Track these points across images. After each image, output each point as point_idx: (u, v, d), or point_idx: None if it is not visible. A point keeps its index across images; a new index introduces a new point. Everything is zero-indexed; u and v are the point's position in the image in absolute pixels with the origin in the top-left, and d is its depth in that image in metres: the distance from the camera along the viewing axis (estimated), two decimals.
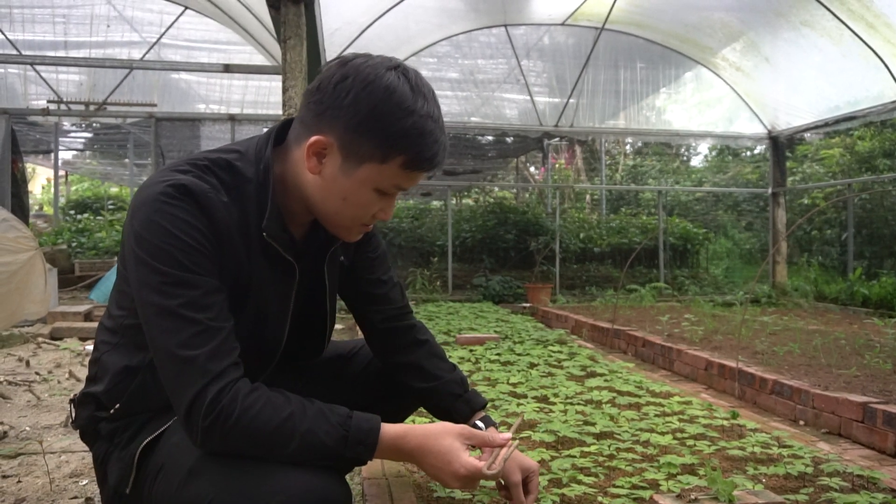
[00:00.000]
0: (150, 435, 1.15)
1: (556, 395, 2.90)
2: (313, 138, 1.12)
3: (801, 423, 3.00)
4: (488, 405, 1.50)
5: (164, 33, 8.09)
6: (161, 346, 1.05)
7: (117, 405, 1.19)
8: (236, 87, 8.70)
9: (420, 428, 1.14)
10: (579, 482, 1.84)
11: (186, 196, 1.07)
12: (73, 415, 1.28)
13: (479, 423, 1.43)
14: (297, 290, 1.29)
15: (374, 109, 1.08)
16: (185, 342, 1.03)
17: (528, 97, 8.54)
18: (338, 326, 5.28)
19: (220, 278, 1.11)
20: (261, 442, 1.04)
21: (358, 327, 1.62)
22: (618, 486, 1.81)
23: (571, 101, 8.43)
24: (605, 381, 3.22)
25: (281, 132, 1.23)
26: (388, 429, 1.11)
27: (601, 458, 2.06)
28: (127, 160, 12.43)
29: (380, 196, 1.16)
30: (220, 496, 1.01)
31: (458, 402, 1.46)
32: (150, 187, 1.08)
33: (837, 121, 7.57)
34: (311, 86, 1.17)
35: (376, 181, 1.13)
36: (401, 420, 1.61)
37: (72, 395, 1.30)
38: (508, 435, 1.19)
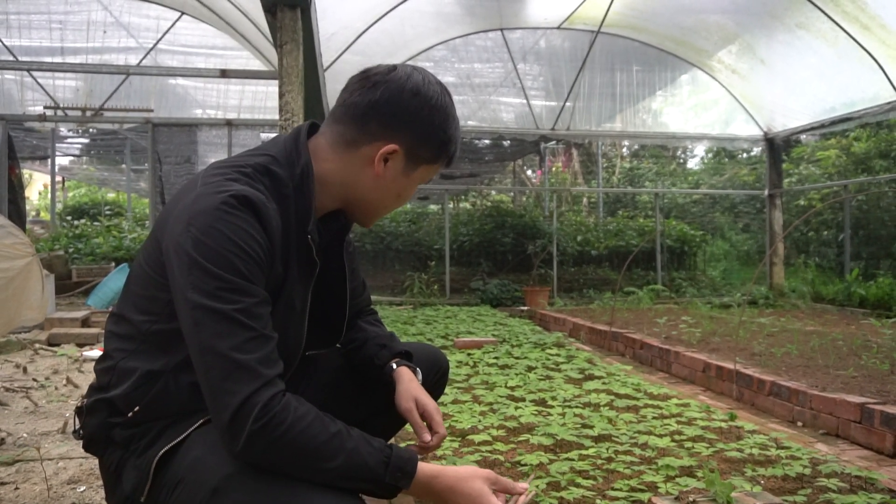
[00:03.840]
0: (169, 443, 1.14)
1: (554, 399, 2.90)
2: (388, 146, 1.24)
3: (799, 424, 3.00)
4: (413, 357, 1.57)
5: (160, 39, 8.09)
6: (211, 348, 1.05)
7: (136, 408, 1.17)
8: (233, 93, 8.69)
9: (451, 469, 1.19)
10: (578, 485, 1.84)
11: (247, 207, 1.11)
12: (79, 423, 1.25)
13: (392, 365, 1.50)
14: (313, 286, 1.34)
15: (442, 123, 1.27)
16: (238, 346, 1.04)
17: (525, 101, 8.55)
18: None
19: (266, 290, 1.14)
20: (307, 454, 1.04)
21: None
22: (616, 489, 1.81)
23: (568, 104, 8.44)
24: (603, 383, 3.22)
25: (313, 134, 1.33)
26: (423, 466, 1.15)
27: (599, 461, 2.06)
28: (124, 166, 12.44)
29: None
30: None
31: (382, 351, 1.54)
32: (209, 196, 1.10)
33: (833, 122, 7.59)
34: (375, 97, 1.23)
35: (424, 178, 1.33)
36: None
37: (78, 404, 1.27)
38: (526, 485, 1.25)
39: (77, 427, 1.27)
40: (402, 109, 1.23)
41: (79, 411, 1.26)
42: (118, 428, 1.19)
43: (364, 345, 1.54)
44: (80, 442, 1.27)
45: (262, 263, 1.12)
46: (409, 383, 1.45)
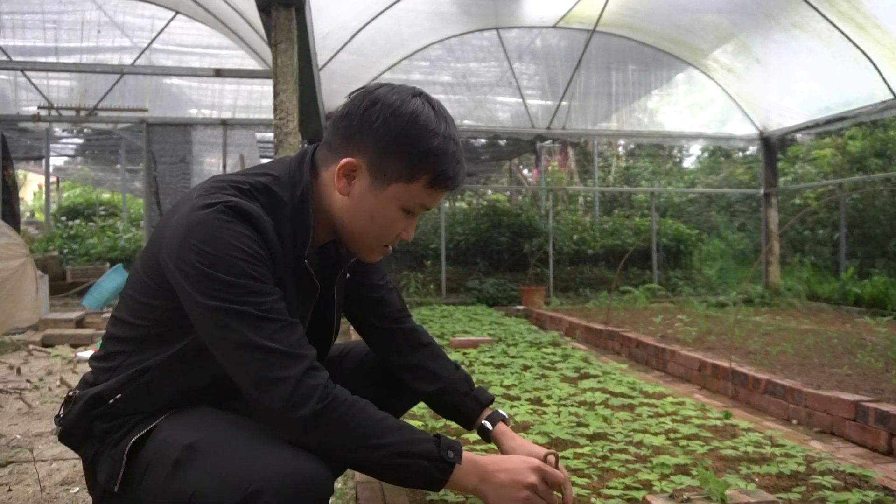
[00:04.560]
0: (140, 431, 1.17)
1: (549, 397, 2.90)
2: (344, 160, 1.19)
3: (794, 422, 3.01)
4: (495, 400, 1.58)
5: (155, 38, 8.07)
6: (246, 343, 1.07)
7: (118, 395, 1.19)
8: (228, 92, 8.68)
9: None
10: (572, 483, 1.84)
11: (241, 217, 1.12)
12: (62, 412, 1.27)
13: (487, 424, 1.48)
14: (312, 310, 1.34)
15: (403, 131, 1.16)
16: (271, 336, 1.08)
17: (521, 100, 8.56)
18: None
19: None
20: (367, 431, 1.10)
21: (356, 333, 1.65)
22: (611, 487, 1.81)
23: (564, 103, 8.45)
24: (599, 382, 3.22)
25: (314, 156, 1.28)
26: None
27: (594, 460, 2.06)
28: (119, 166, 12.40)
29: (405, 215, 1.24)
30: (203, 485, 1.05)
31: (466, 399, 1.51)
32: (203, 208, 1.11)
33: (828, 121, 7.61)
34: (337, 113, 1.23)
35: (403, 199, 1.21)
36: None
37: (70, 393, 1.28)
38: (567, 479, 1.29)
39: (59, 413, 1.28)
40: (358, 119, 1.19)
41: (67, 400, 1.28)
42: (98, 421, 1.21)
43: (443, 392, 1.51)
44: (62, 430, 1.28)
45: (267, 262, 1.14)
46: (512, 441, 1.45)
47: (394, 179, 1.18)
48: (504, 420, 1.50)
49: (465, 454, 1.18)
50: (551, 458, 1.30)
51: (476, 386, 1.56)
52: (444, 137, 1.18)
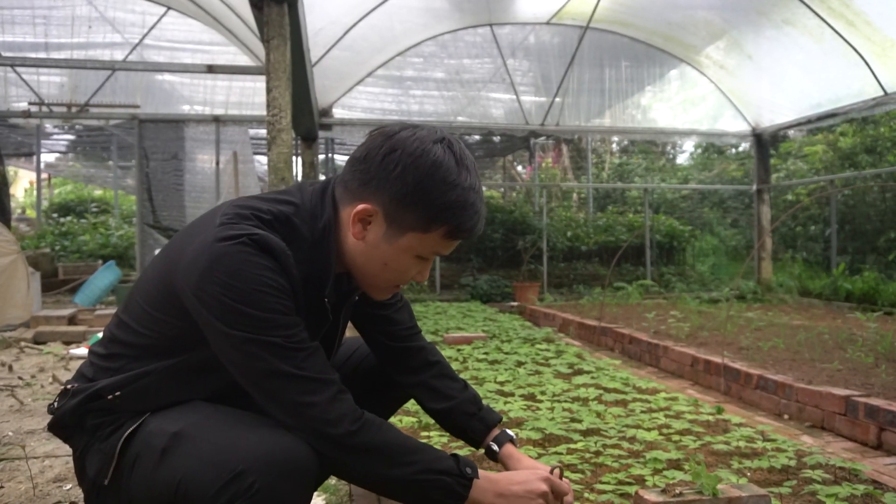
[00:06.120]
0: (131, 427, 1.18)
1: (543, 393, 2.91)
2: (360, 206, 1.18)
3: (786, 417, 3.03)
4: (503, 420, 1.59)
5: (146, 34, 8.01)
6: (275, 371, 1.11)
7: (117, 393, 1.20)
8: (220, 88, 8.63)
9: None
10: (566, 478, 1.85)
11: (267, 251, 1.12)
12: (57, 403, 1.27)
13: (494, 446, 1.49)
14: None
15: (421, 183, 1.14)
16: (298, 365, 1.12)
17: (514, 96, 8.55)
18: None
19: None
20: (397, 450, 1.16)
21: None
22: (604, 482, 1.82)
23: (557, 99, 8.45)
24: (592, 378, 3.23)
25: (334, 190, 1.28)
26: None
27: (588, 455, 2.07)
28: (111, 162, 12.32)
29: (418, 261, 1.24)
30: (190, 470, 1.07)
31: (472, 421, 1.51)
32: (226, 241, 1.11)
33: (820, 118, 7.65)
34: (356, 153, 1.21)
35: (417, 249, 1.21)
36: (387, 416, 1.63)
37: (68, 386, 1.27)
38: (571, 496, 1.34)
39: (54, 403, 1.28)
40: (376, 166, 1.16)
41: (64, 392, 1.27)
42: (91, 415, 1.22)
43: (450, 412, 1.52)
44: (53, 419, 1.28)
45: (290, 294, 1.15)
46: (518, 463, 1.46)
47: (409, 229, 1.18)
48: (512, 440, 1.51)
49: (479, 471, 1.23)
50: (556, 472, 1.35)
51: (484, 405, 1.56)
52: (463, 189, 1.16)
